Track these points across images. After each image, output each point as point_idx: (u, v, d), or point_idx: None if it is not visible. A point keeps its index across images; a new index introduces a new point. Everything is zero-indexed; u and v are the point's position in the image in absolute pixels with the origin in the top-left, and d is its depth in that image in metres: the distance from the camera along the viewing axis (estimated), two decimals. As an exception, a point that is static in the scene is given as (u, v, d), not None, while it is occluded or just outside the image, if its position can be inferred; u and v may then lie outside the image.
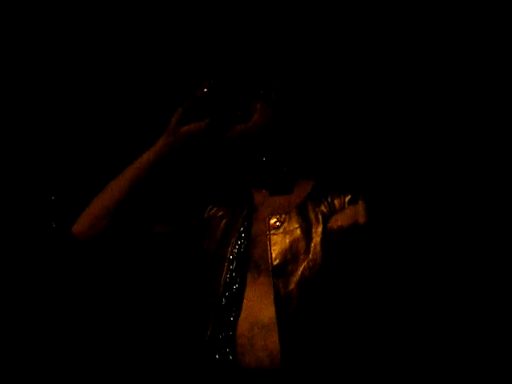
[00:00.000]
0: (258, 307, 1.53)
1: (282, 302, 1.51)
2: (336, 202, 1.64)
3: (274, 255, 1.57)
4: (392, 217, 1.57)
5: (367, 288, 1.58)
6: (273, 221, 1.62)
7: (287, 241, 1.58)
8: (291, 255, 1.56)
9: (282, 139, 1.70)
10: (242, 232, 1.63)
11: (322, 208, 1.63)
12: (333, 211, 1.61)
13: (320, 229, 1.57)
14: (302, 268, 1.54)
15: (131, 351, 2.08)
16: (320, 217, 1.60)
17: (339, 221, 1.50)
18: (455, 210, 1.88)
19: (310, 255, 1.55)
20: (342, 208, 1.61)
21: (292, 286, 1.52)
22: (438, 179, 1.92)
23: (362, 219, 1.46)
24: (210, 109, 1.63)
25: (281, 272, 1.54)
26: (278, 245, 1.58)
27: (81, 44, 2.24)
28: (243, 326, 1.51)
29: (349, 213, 1.50)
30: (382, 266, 1.58)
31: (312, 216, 1.61)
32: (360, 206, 1.48)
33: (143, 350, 2.08)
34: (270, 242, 1.59)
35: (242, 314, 1.53)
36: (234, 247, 1.61)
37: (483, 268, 1.86)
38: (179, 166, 1.65)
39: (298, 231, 1.59)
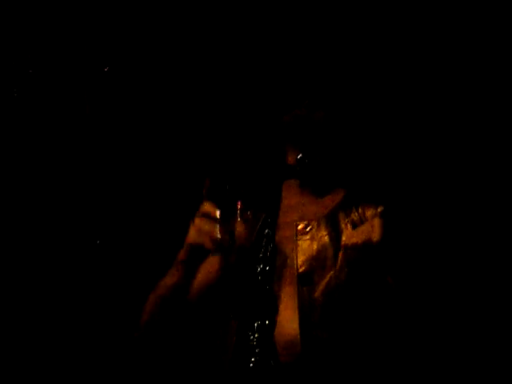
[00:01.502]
0: (285, 317, 1.48)
1: (306, 311, 1.47)
2: (368, 213, 1.56)
3: (300, 262, 1.52)
4: (410, 233, 1.51)
5: (385, 302, 1.51)
6: (301, 226, 1.57)
7: (314, 248, 1.53)
8: (318, 263, 1.51)
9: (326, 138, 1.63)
10: (269, 237, 1.58)
11: (353, 217, 1.56)
12: (364, 222, 1.54)
13: (348, 239, 1.51)
14: (328, 277, 1.49)
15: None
16: (350, 226, 1.54)
17: (354, 237, 1.48)
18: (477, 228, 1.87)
19: (337, 265, 1.50)
20: (373, 220, 1.54)
21: (317, 295, 1.48)
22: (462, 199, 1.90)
23: (376, 237, 1.44)
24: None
25: (307, 280, 1.49)
26: (304, 251, 1.53)
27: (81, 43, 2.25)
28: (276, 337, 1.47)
29: (364, 229, 1.48)
30: (398, 282, 1.51)
31: (342, 225, 1.55)
32: (376, 222, 1.45)
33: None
34: (296, 249, 1.54)
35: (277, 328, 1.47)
36: (262, 253, 1.56)
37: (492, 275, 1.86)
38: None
39: (326, 239, 1.54)
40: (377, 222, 1.46)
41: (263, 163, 1.74)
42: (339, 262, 1.50)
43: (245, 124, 1.83)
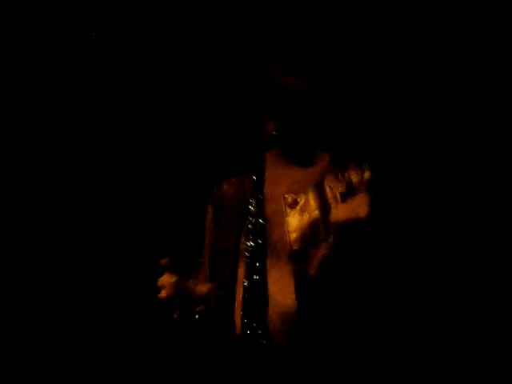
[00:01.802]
0: (280, 293, 1.47)
1: (302, 287, 1.45)
2: (354, 178, 1.53)
3: (292, 239, 1.50)
4: (398, 210, 1.51)
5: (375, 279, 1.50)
6: (290, 200, 1.54)
7: (305, 223, 1.50)
8: (309, 238, 1.48)
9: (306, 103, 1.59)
10: (256, 213, 1.55)
11: (340, 188, 1.53)
12: (351, 190, 1.51)
13: (338, 211, 1.49)
14: (321, 253, 1.46)
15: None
16: (339, 197, 1.51)
17: (343, 212, 1.46)
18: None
19: (329, 241, 1.47)
20: (360, 186, 1.51)
21: (312, 271, 1.46)
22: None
23: (363, 213, 1.43)
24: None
25: (300, 256, 1.47)
26: (296, 227, 1.51)
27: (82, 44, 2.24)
28: (270, 312, 1.46)
29: (352, 204, 1.46)
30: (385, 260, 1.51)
31: (330, 196, 1.53)
32: (363, 198, 1.44)
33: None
34: (287, 224, 1.52)
35: (270, 300, 1.47)
36: (249, 231, 1.54)
37: (485, 265, 1.86)
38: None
39: (317, 212, 1.51)
40: (363, 197, 1.44)
41: (243, 136, 1.72)
42: (331, 238, 1.47)
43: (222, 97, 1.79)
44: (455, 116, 1.92)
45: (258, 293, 1.49)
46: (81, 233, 2.18)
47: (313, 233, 1.48)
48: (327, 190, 1.54)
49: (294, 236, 1.50)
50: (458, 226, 1.79)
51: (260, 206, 1.57)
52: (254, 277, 1.50)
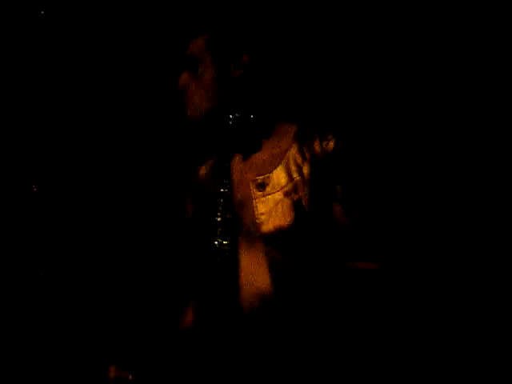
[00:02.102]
0: (256, 274, 1.48)
1: (276, 268, 1.46)
2: (318, 149, 1.52)
3: (262, 221, 1.50)
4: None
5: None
6: (257, 182, 1.54)
7: (275, 203, 1.46)
8: (280, 219, 1.41)
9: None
10: (226, 197, 1.55)
11: (306, 163, 1.52)
12: (317, 162, 1.50)
13: (306, 188, 1.49)
14: (293, 231, 1.40)
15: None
16: (306, 172, 1.51)
17: (308, 190, 1.47)
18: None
19: (301, 218, 1.41)
20: (325, 157, 1.50)
21: (284, 251, 1.44)
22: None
23: (333, 189, 1.46)
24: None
25: (271, 238, 1.43)
26: (265, 209, 1.51)
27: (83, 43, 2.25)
28: (245, 293, 1.48)
29: (318, 181, 1.47)
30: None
31: (296, 174, 1.52)
32: (331, 172, 1.46)
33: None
34: (256, 207, 1.52)
35: (243, 281, 1.49)
36: (221, 213, 1.54)
37: (484, 263, 1.86)
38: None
39: (286, 191, 1.51)
40: (331, 171, 1.46)
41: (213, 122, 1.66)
42: (301, 216, 1.42)
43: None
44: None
45: (231, 275, 1.50)
46: (71, 229, 2.20)
47: (282, 212, 1.42)
48: (293, 166, 1.53)
49: (263, 218, 1.50)
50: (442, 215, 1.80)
51: (230, 191, 1.57)
52: (227, 259, 1.51)
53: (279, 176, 1.54)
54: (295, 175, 1.52)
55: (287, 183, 1.52)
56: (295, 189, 1.51)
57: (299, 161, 1.53)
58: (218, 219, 1.54)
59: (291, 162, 1.54)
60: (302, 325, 1.45)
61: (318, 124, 1.58)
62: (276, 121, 1.63)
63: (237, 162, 1.61)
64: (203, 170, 1.72)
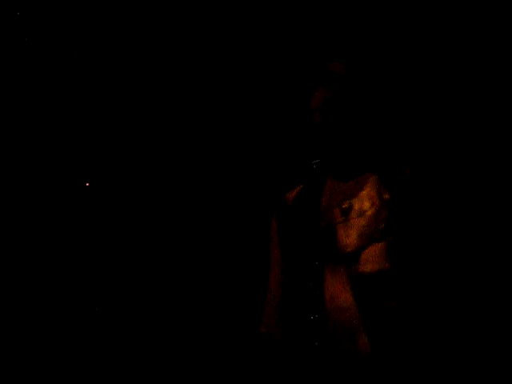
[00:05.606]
0: (339, 296, 1.58)
1: (357, 285, 1.56)
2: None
3: (346, 243, 1.61)
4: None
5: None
6: (344, 206, 1.64)
7: (358, 227, 1.60)
8: (363, 241, 1.59)
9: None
10: (313, 221, 1.66)
11: (385, 193, 1.62)
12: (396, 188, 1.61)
13: (385, 215, 1.59)
14: (375, 252, 1.57)
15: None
16: (384, 201, 1.61)
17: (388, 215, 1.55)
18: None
19: (382, 240, 1.58)
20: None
21: (367, 269, 1.56)
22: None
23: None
24: None
25: (354, 259, 1.57)
26: (350, 232, 1.61)
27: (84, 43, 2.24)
28: (332, 315, 1.58)
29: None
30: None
31: (378, 202, 1.62)
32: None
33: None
34: (342, 230, 1.62)
35: (328, 304, 1.59)
36: (308, 237, 1.66)
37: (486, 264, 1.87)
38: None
39: (368, 216, 1.60)
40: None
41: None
42: (383, 238, 1.58)
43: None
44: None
45: (315, 293, 1.62)
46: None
47: (365, 236, 1.59)
48: (375, 196, 1.63)
49: (348, 241, 1.61)
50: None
51: (318, 215, 1.69)
52: (314, 279, 1.63)
53: (364, 202, 1.64)
54: (378, 203, 1.63)
55: (370, 208, 1.63)
56: (377, 215, 1.62)
57: (380, 187, 1.65)
58: (307, 242, 1.67)
59: (372, 191, 1.66)
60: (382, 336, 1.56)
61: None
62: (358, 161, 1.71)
63: (326, 190, 1.73)
64: (290, 197, 1.82)
